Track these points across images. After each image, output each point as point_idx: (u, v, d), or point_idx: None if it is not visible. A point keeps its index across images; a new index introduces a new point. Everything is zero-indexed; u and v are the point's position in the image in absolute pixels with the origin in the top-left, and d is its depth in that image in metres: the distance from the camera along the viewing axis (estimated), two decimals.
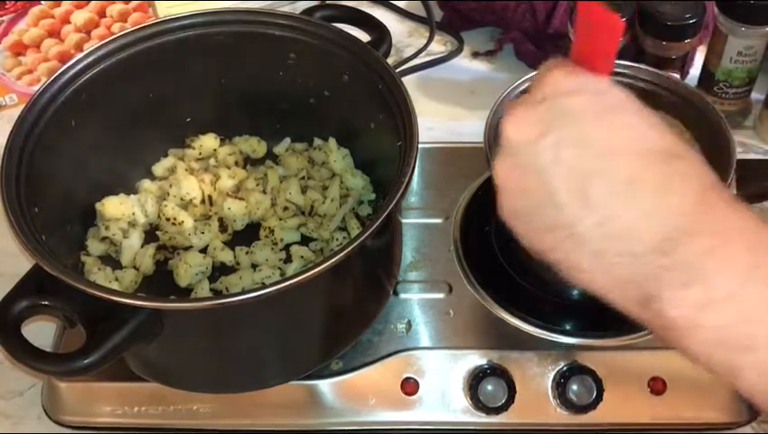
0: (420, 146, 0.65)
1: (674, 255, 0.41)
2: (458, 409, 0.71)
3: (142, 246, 0.76)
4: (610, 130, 0.43)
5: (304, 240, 0.76)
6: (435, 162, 0.87)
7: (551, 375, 0.71)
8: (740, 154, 0.73)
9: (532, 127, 0.44)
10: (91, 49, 0.73)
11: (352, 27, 0.77)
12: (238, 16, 0.76)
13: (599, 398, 0.69)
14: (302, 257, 0.74)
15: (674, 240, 0.41)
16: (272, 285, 0.57)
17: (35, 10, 0.95)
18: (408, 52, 1.03)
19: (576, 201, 0.43)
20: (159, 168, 0.81)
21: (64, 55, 0.98)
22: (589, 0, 0.45)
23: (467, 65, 1.03)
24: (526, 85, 0.75)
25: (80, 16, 0.98)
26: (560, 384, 0.70)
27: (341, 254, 0.58)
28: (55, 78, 0.70)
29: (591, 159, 0.43)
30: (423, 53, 1.03)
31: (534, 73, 0.74)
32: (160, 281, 0.74)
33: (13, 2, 0.94)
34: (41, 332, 0.74)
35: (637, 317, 0.44)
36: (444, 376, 0.71)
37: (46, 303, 0.60)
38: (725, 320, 0.41)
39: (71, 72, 0.71)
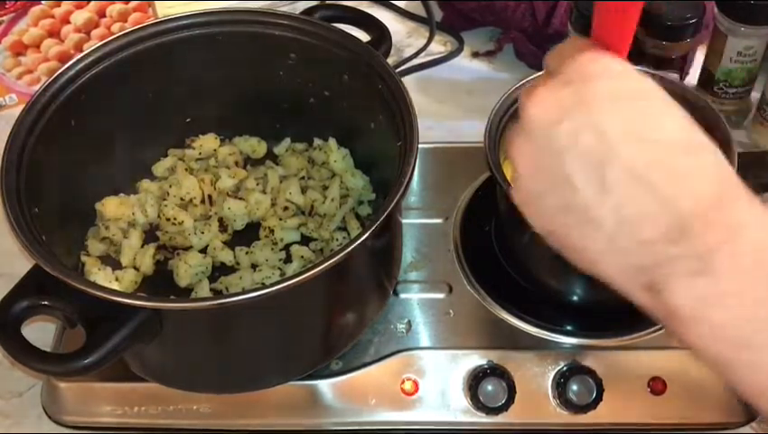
0: (420, 146, 0.65)
1: (683, 244, 0.41)
2: (458, 409, 0.71)
3: (142, 246, 0.76)
4: (630, 117, 0.43)
5: (304, 240, 0.76)
6: (435, 162, 0.87)
7: (551, 375, 0.71)
8: None
9: (553, 109, 0.44)
10: (91, 49, 0.73)
11: (352, 27, 0.77)
12: (238, 16, 0.76)
13: (599, 398, 0.69)
14: (302, 257, 0.74)
15: (684, 230, 0.41)
16: (272, 285, 0.57)
17: (35, 10, 0.95)
18: (408, 52, 1.03)
19: (592, 185, 0.43)
20: (159, 168, 0.81)
21: (64, 55, 0.98)
22: None
23: (467, 65, 1.03)
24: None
25: (80, 16, 0.98)
26: (560, 384, 0.69)
27: (342, 254, 0.58)
28: (55, 78, 0.70)
29: (609, 145, 0.42)
30: (423, 53, 1.03)
31: (534, 75, 0.75)
32: (160, 281, 0.74)
33: (13, 2, 0.94)
34: (41, 332, 0.74)
35: (642, 304, 0.43)
36: (443, 376, 0.71)
37: (46, 303, 0.60)
38: (727, 317, 0.40)
39: (71, 72, 0.71)
